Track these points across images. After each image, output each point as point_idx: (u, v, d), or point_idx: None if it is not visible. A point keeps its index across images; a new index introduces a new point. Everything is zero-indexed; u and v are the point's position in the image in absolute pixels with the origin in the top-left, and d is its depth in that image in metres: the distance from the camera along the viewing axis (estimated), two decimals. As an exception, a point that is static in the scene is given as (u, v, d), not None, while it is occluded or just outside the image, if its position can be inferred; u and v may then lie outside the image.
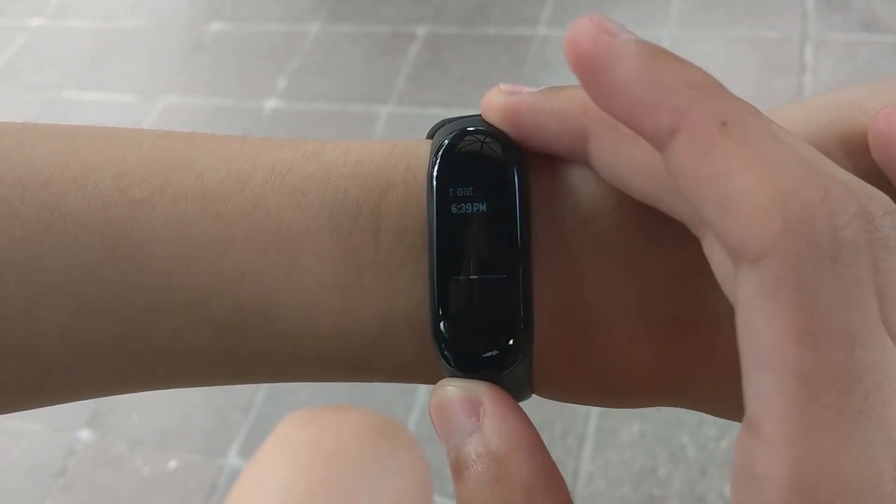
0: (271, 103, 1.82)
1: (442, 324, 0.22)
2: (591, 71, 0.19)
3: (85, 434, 1.34)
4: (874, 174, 0.24)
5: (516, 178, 0.23)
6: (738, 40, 1.69)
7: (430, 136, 0.25)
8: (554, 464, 0.22)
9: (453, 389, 0.22)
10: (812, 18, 1.69)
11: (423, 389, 1.28)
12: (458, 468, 0.21)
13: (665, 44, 1.67)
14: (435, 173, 0.23)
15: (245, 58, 1.97)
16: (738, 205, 0.17)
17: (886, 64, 1.58)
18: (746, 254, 0.16)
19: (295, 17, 2.02)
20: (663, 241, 0.23)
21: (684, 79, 0.18)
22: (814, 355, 0.16)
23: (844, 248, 0.16)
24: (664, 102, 0.18)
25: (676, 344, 0.23)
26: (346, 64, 1.88)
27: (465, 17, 1.91)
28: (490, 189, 0.23)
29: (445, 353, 0.22)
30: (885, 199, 0.20)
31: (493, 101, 0.23)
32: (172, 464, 1.29)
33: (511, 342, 0.22)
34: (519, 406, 0.22)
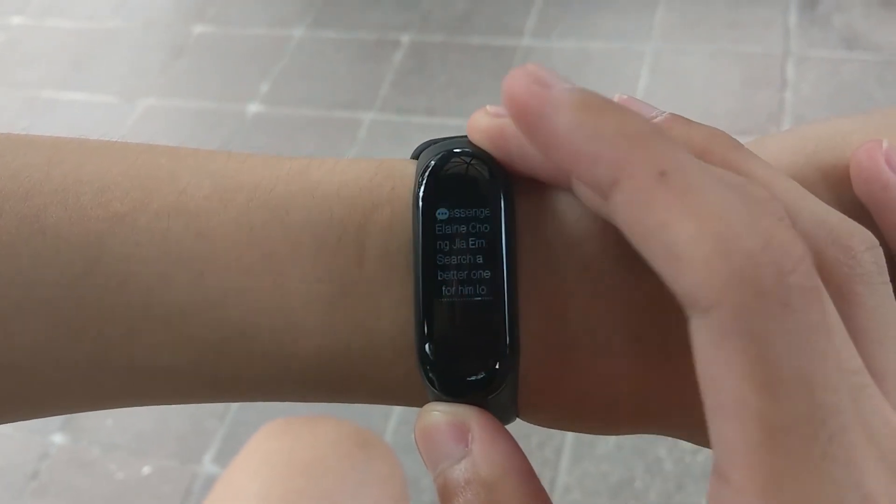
0: (254, 107, 1.81)
1: (427, 346, 0.22)
2: (529, 122, 0.19)
3: (58, 437, 1.33)
4: (856, 207, 0.24)
5: (502, 202, 0.23)
6: (720, 55, 1.70)
7: (415, 156, 0.25)
8: (544, 490, 0.21)
9: (440, 414, 0.22)
10: (794, 35, 1.71)
11: (401, 398, 1.27)
12: (447, 495, 0.21)
13: (649, 58, 1.68)
14: (421, 194, 0.23)
15: (228, 61, 1.96)
16: (682, 256, 0.16)
17: (867, 81, 1.60)
18: (695, 304, 0.16)
19: (279, 21, 2.02)
20: (647, 268, 0.22)
21: (621, 129, 0.18)
22: (774, 402, 0.16)
23: (792, 293, 0.16)
24: (602, 154, 0.18)
25: (660, 371, 0.23)
26: (329, 70, 1.87)
27: (450, 26, 1.91)
28: (476, 211, 0.22)
29: (430, 375, 0.22)
30: (867, 234, 0.20)
31: (479, 123, 0.23)
32: (146, 469, 1.28)
33: (497, 365, 0.22)
34: (507, 431, 0.22)
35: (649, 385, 0.23)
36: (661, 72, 1.69)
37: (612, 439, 1.19)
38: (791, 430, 0.16)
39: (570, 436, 1.20)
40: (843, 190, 0.24)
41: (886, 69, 1.61)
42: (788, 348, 0.16)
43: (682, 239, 0.16)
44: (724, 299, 0.16)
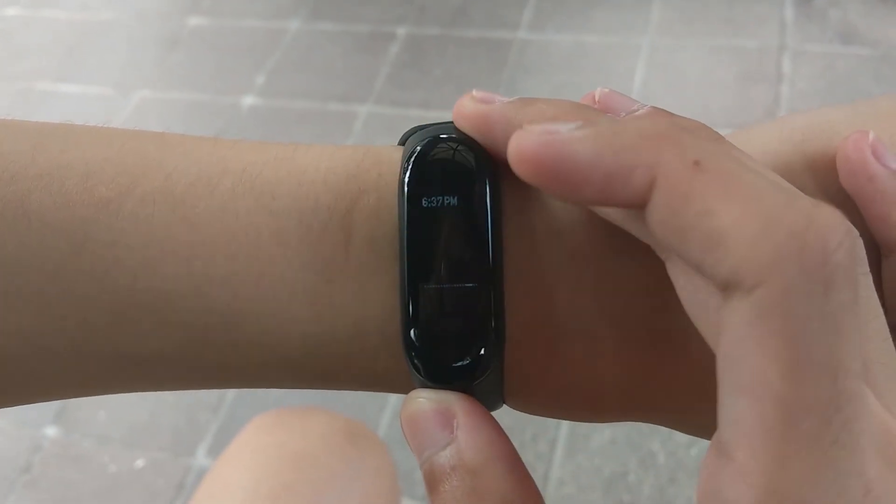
0: (249, 100, 1.81)
1: (413, 332, 0.22)
2: (552, 171, 0.19)
3: (51, 430, 1.33)
4: (842, 197, 0.24)
5: (488, 188, 0.22)
6: (717, 49, 1.70)
7: (402, 142, 0.25)
8: (529, 475, 0.21)
9: (425, 401, 0.22)
10: (790, 29, 1.71)
11: (395, 391, 1.27)
12: (433, 482, 0.21)
13: (645, 52, 1.68)
14: (406, 180, 0.23)
15: (223, 53, 1.95)
16: (727, 238, 0.17)
17: (862, 76, 1.60)
18: (740, 284, 0.16)
19: (275, 13, 2.01)
20: (633, 256, 0.22)
21: (642, 133, 0.18)
22: (798, 386, 0.16)
23: (836, 272, 0.16)
24: (636, 161, 0.18)
25: (645, 359, 0.23)
26: (325, 62, 1.87)
27: (446, 19, 1.90)
28: (462, 197, 0.22)
29: (416, 361, 0.22)
30: (847, 225, 0.20)
31: (464, 109, 0.23)
32: (139, 462, 1.27)
33: (482, 351, 0.22)
34: (493, 417, 0.22)
35: (633, 373, 0.23)
36: (657, 66, 1.69)
37: (606, 433, 1.19)
38: (808, 414, 0.16)
39: (563, 429, 1.20)
40: (829, 180, 0.24)
41: (882, 64, 1.61)
42: (822, 331, 0.16)
43: (726, 222, 0.17)
44: (771, 277, 0.16)
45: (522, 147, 0.19)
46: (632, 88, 1.64)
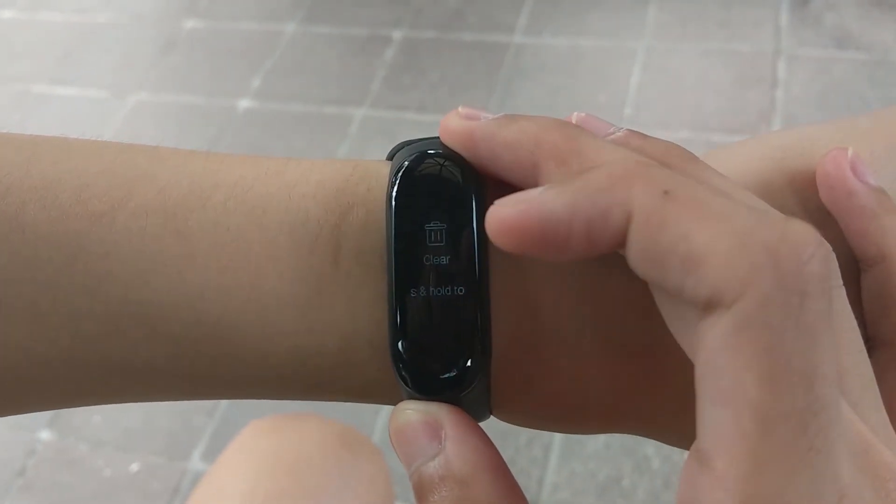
0: (244, 103, 1.81)
1: (400, 344, 0.22)
2: (535, 234, 0.19)
3: (46, 434, 1.33)
4: (822, 212, 0.24)
5: (474, 202, 0.23)
6: (712, 53, 1.70)
7: (390, 157, 0.25)
8: (517, 484, 0.22)
9: (413, 412, 0.22)
10: (785, 33, 1.71)
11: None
12: (422, 492, 0.21)
13: (640, 55, 1.68)
14: (394, 194, 0.23)
15: (219, 56, 1.95)
16: (704, 258, 0.17)
17: (857, 81, 1.60)
18: (721, 301, 0.17)
19: (271, 16, 2.01)
20: (617, 269, 0.23)
21: (611, 174, 0.19)
22: (773, 394, 0.16)
23: (810, 282, 0.17)
24: (609, 202, 0.18)
25: (630, 370, 0.23)
26: (321, 65, 1.87)
27: (442, 22, 1.91)
28: (449, 212, 0.23)
29: (403, 373, 0.22)
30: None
31: (451, 126, 0.24)
32: (134, 466, 1.27)
33: (469, 363, 0.22)
34: (480, 427, 0.22)
35: (618, 384, 0.23)
36: (652, 70, 1.69)
37: (600, 438, 1.19)
38: (784, 421, 0.16)
39: (558, 434, 1.20)
40: (809, 196, 0.25)
41: (877, 68, 1.62)
42: (798, 341, 0.16)
43: (701, 244, 0.17)
44: (748, 291, 0.16)
45: (502, 219, 0.19)
46: (627, 92, 1.64)
